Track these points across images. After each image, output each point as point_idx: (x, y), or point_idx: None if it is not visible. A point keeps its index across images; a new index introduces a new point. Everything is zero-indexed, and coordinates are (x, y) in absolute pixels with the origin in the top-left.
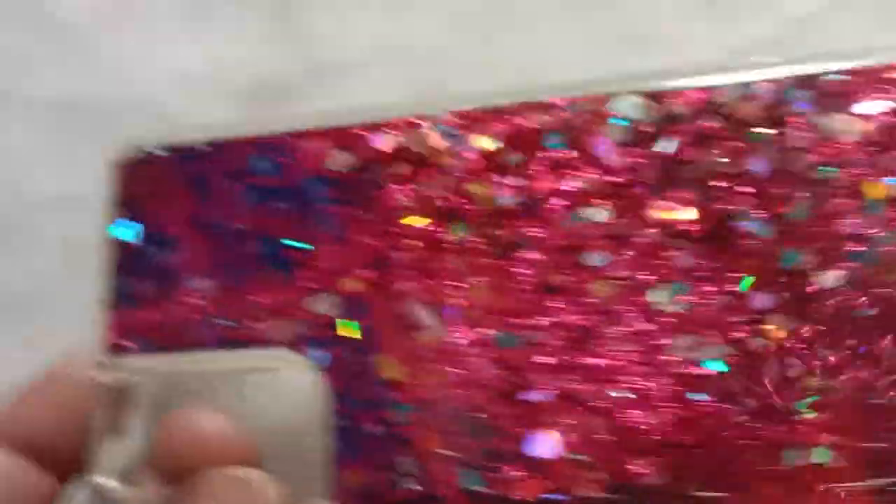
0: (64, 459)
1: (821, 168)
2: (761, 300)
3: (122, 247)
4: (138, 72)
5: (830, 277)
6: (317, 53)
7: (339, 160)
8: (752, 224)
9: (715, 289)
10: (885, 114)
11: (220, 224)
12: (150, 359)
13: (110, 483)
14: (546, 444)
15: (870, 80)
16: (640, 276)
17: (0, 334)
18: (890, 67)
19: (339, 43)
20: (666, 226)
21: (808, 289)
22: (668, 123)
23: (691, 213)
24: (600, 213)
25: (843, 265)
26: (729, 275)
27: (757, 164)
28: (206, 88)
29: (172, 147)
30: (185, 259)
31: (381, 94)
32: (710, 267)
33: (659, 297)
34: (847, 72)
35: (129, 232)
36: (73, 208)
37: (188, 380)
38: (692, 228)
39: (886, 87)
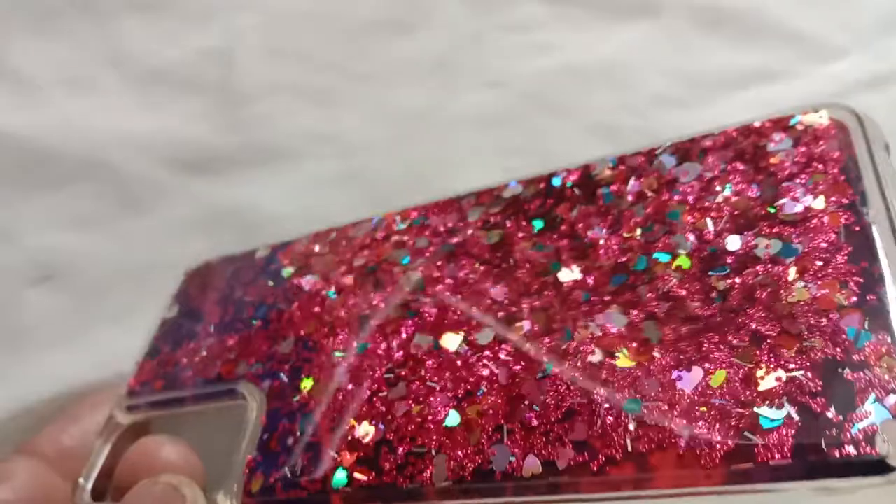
0: (79, 471)
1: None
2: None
3: (165, 322)
4: (94, 134)
5: (567, 273)
6: (253, 133)
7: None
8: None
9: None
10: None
11: (231, 308)
12: (148, 396)
13: (85, 496)
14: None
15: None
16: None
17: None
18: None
19: (274, 127)
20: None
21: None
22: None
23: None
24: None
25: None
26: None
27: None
28: (150, 155)
29: (224, 258)
30: (199, 328)
31: (308, 175)
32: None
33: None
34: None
35: (173, 311)
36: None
37: (166, 415)
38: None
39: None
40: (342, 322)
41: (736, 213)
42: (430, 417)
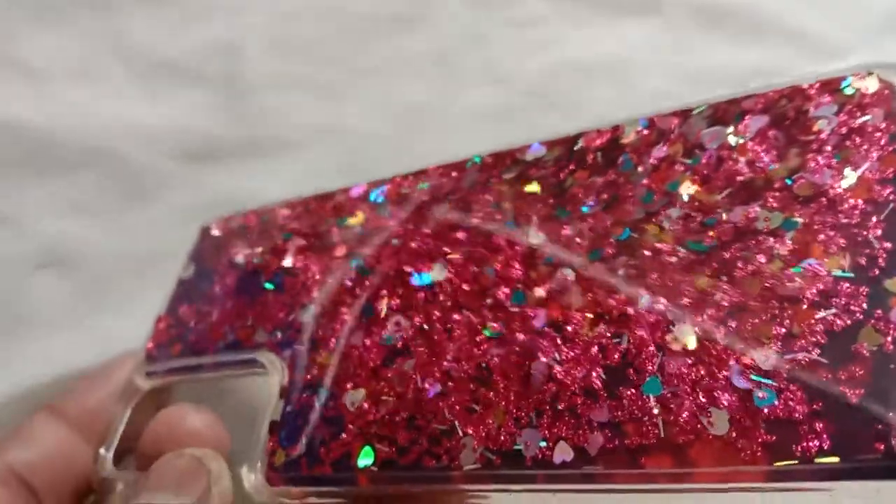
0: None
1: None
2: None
3: (181, 282)
4: (99, 124)
5: (541, 244)
6: (257, 125)
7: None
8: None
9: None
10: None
11: (245, 269)
12: (167, 362)
13: (107, 464)
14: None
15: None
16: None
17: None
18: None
19: (277, 119)
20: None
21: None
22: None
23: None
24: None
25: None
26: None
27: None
28: (154, 144)
29: (242, 212)
30: (214, 290)
31: (311, 167)
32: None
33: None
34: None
35: (189, 270)
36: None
37: (187, 381)
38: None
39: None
40: (371, 287)
41: (785, 183)
42: (459, 396)
